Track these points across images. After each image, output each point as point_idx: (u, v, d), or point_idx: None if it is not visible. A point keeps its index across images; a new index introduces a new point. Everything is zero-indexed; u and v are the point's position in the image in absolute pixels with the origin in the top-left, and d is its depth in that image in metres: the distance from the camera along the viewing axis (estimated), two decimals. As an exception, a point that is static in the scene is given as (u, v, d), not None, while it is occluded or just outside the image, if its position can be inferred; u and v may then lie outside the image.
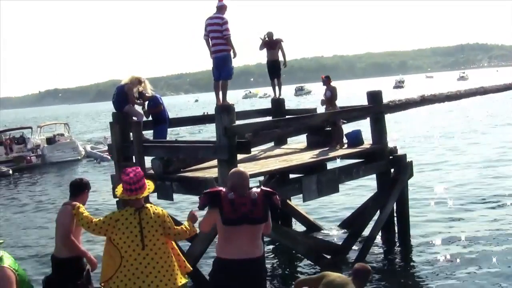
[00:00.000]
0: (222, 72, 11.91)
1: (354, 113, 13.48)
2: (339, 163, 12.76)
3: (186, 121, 15.50)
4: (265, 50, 15.19)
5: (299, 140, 15.25)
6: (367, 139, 13.57)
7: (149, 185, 6.47)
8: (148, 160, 11.44)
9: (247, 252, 5.94)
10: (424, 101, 15.46)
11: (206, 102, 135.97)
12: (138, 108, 12.50)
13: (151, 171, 11.17)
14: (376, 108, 13.22)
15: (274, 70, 15.24)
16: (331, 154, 12.47)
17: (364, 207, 14.23)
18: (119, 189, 6.33)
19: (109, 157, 30.75)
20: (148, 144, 11.56)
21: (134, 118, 12.27)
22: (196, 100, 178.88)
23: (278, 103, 15.25)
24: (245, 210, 5.83)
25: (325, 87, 13.97)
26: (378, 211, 13.04)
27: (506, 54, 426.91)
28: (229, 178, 6.16)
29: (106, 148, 37.76)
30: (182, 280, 6.27)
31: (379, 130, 13.31)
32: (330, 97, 13.69)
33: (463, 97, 17.76)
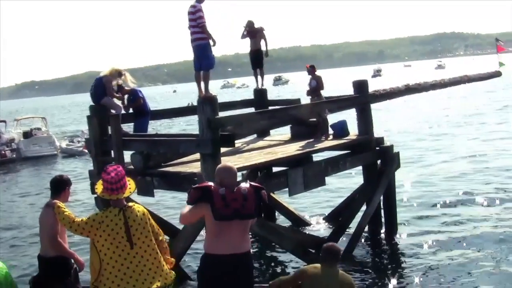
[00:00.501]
0: (203, 62, 11.34)
1: (339, 103, 13.09)
2: (324, 154, 12.41)
3: (168, 113, 14.96)
4: (247, 39, 14.75)
5: (282, 132, 14.86)
6: (353, 130, 13.23)
7: (131, 184, 6.25)
8: (127, 155, 10.99)
9: (238, 247, 5.88)
10: (409, 90, 15.13)
11: (185, 93, 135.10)
12: (117, 101, 12.04)
13: (131, 166, 10.72)
14: (362, 98, 12.87)
15: (257, 60, 14.80)
16: (317, 146, 12.11)
17: (351, 199, 13.95)
18: (99, 187, 6.13)
19: (85, 151, 30.09)
20: (127, 138, 11.11)
21: (112, 111, 11.82)
22: (174, 91, 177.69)
23: (260, 93, 14.86)
24: (237, 205, 5.74)
25: (310, 76, 13.60)
26: (365, 204, 12.72)
27: (481, 43, 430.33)
28: (217, 174, 6.00)
29: (83, 142, 37.11)
30: (171, 275, 6.20)
31: (365, 120, 12.99)
32: (316, 87, 13.34)
33: (448, 85, 17.50)
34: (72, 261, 6.96)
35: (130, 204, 6.23)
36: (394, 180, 13.20)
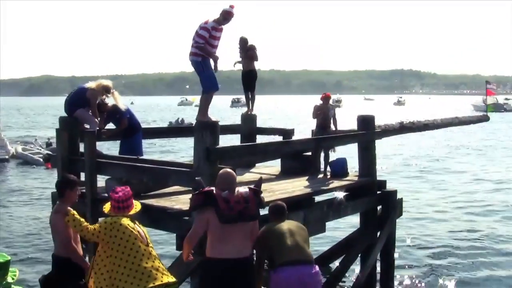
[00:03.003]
0: (200, 82, 9.77)
1: (344, 139, 11.58)
2: (326, 197, 10.97)
3: (160, 132, 13.23)
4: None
5: (267, 164, 13.34)
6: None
7: (137, 205, 6.48)
8: (101, 180, 9.36)
9: (240, 251, 5.99)
10: (403, 128, 14.03)
11: (142, 106, 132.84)
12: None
13: (105, 194, 9.05)
14: (368, 135, 11.53)
15: (249, 82, 13.31)
16: (318, 186, 10.64)
17: (343, 246, 12.37)
18: (107, 205, 6.38)
19: (40, 160, 27.96)
20: (103, 161, 9.46)
21: (87, 126, 10.22)
22: (132, 103, 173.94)
23: (250, 120, 13.32)
24: (240, 207, 5.91)
25: (320, 103, 12.20)
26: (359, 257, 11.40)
27: (437, 83, 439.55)
28: (218, 180, 6.22)
29: (38, 150, 34.71)
30: (173, 279, 6.20)
31: (368, 160, 11.67)
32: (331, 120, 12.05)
33: (440, 126, 17.19)
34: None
35: None
36: (395, 232, 11.84)
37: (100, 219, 6.42)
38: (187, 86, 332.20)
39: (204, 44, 9.34)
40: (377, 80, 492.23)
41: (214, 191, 5.99)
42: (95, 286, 6.05)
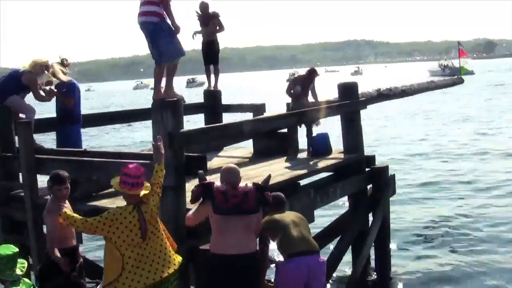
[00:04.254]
0: (159, 48, 7.77)
1: (328, 111, 9.91)
2: (310, 180, 9.49)
3: (113, 117, 11.55)
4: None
5: (237, 145, 11.76)
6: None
7: (147, 186, 5.85)
8: (43, 179, 7.68)
9: (243, 246, 5.87)
10: (381, 96, 12.61)
11: (101, 93, 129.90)
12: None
13: (47, 197, 7.37)
14: (352, 106, 10.05)
15: (211, 54, 11.68)
16: (302, 169, 9.11)
17: (332, 233, 10.83)
18: (116, 179, 5.81)
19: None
20: (43, 157, 7.76)
21: (22, 115, 8.54)
22: (88, 89, 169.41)
23: (213, 96, 11.71)
24: (236, 201, 5.85)
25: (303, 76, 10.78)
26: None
27: (391, 51, 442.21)
28: (221, 175, 6.02)
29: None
30: (179, 259, 5.93)
31: (354, 133, 10.22)
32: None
33: (418, 92, 16.10)
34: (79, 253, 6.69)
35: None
36: (389, 213, 10.43)
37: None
38: (142, 70, 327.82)
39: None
40: (331, 52, 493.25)
41: (215, 184, 5.90)
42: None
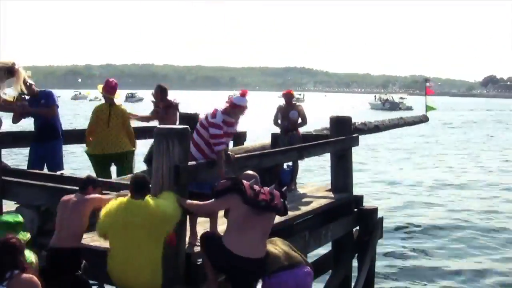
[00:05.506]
0: None
1: (316, 148, 9.10)
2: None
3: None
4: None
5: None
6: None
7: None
8: (9, 206, 6.61)
9: (256, 248, 5.79)
10: (356, 130, 12.06)
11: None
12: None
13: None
14: (346, 142, 9.34)
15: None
16: (298, 209, 8.28)
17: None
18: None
19: None
20: (10, 179, 6.69)
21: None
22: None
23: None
24: (265, 197, 5.77)
25: (283, 103, 9.97)
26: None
27: (329, 81, 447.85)
28: (244, 179, 5.88)
29: None
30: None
31: (345, 171, 9.52)
32: (296, 121, 9.77)
33: (389, 128, 16.07)
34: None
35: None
36: (375, 261, 9.73)
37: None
38: (79, 80, 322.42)
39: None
40: (271, 77, 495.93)
41: (242, 180, 5.84)
42: None
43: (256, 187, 5.83)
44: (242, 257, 5.67)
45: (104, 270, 5.53)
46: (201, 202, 5.83)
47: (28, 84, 8.14)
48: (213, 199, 5.78)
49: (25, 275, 4.33)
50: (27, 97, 8.36)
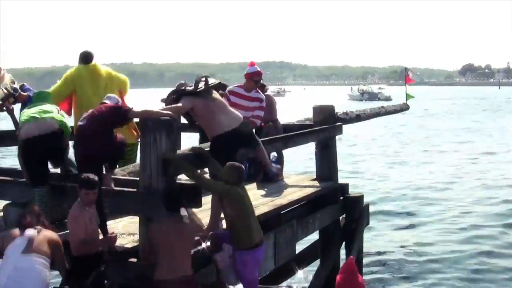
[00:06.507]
0: None
1: (298, 138, 9.04)
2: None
3: None
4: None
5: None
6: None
7: None
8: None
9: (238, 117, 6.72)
10: (337, 119, 12.07)
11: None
12: None
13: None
14: (330, 131, 9.40)
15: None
16: (284, 198, 8.30)
17: (300, 260, 9.99)
18: None
19: None
20: (3, 178, 6.67)
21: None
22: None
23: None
24: None
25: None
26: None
27: (308, 74, 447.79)
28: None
29: None
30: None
31: (329, 160, 9.59)
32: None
33: (371, 117, 15.66)
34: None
35: None
36: (362, 248, 9.80)
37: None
38: (58, 81, 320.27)
39: None
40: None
41: None
42: None
43: None
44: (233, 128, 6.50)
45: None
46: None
47: (12, 100, 8.01)
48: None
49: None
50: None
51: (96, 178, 5.64)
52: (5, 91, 7.90)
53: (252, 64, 8.62)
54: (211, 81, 6.75)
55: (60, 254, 5.35)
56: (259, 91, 8.69)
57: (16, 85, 8.14)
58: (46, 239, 5.23)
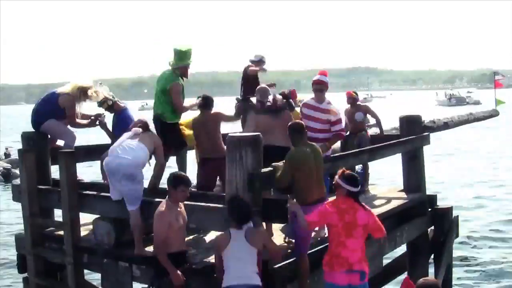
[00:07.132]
0: None
1: (385, 150, 8.79)
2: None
3: None
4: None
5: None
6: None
7: None
8: (86, 218, 6.74)
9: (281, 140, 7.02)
10: (425, 128, 11.74)
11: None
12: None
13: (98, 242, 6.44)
14: (417, 141, 9.18)
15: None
16: (375, 210, 8.12)
17: (387, 274, 9.78)
18: None
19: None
20: (87, 193, 6.86)
21: (60, 142, 7.67)
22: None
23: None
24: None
25: (348, 106, 9.91)
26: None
27: (394, 79, 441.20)
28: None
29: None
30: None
31: (417, 171, 9.36)
32: (362, 122, 9.69)
33: (458, 124, 15.17)
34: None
35: None
36: (451, 262, 9.51)
37: None
38: (145, 91, 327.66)
39: None
40: (335, 78, 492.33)
41: None
42: None
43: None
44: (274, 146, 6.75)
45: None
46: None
47: (110, 103, 8.15)
48: None
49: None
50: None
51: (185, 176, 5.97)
52: (106, 94, 8.06)
53: (319, 73, 8.36)
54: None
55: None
56: (330, 102, 8.43)
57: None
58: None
